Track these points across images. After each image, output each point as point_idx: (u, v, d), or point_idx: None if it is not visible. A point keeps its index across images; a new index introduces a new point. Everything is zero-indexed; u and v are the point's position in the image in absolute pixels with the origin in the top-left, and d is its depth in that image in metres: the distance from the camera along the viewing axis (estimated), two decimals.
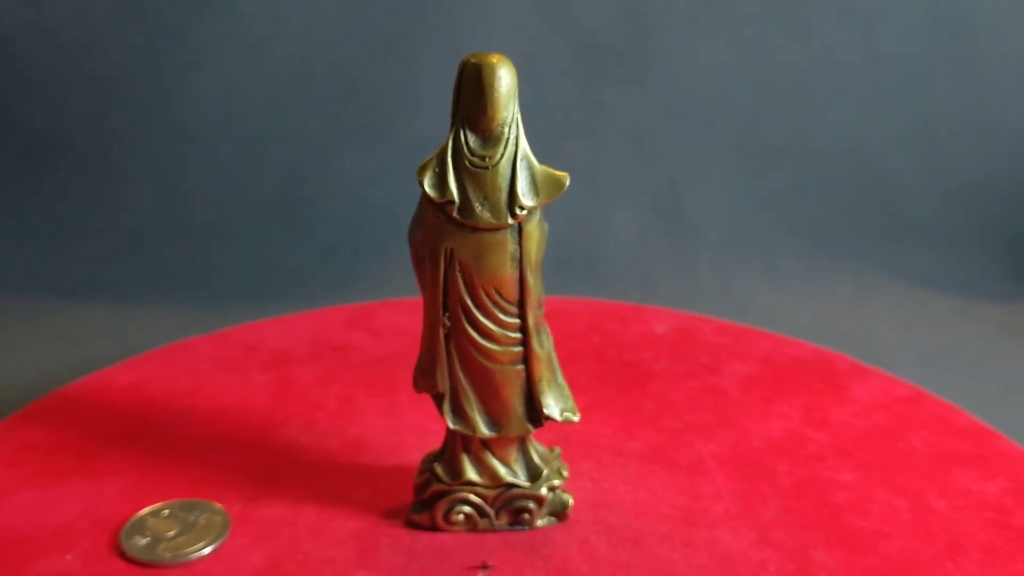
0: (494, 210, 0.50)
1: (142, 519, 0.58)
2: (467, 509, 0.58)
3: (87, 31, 1.26)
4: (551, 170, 0.51)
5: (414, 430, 0.71)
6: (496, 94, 0.49)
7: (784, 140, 1.37)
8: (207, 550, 0.55)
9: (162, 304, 1.17)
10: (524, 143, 0.51)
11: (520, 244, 0.51)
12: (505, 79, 0.50)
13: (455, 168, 0.50)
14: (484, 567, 0.55)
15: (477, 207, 0.50)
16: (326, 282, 1.22)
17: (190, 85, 1.29)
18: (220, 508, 0.59)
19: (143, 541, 0.55)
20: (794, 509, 0.61)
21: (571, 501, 0.59)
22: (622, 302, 1.03)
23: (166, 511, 0.59)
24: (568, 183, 0.51)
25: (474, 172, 0.50)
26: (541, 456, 0.58)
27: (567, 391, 0.56)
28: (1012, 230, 1.34)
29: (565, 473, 0.59)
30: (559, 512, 0.59)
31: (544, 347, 0.54)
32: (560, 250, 1.22)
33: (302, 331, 0.91)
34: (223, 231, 1.27)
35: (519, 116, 0.51)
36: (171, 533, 0.56)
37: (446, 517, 0.58)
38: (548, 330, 0.56)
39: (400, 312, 0.97)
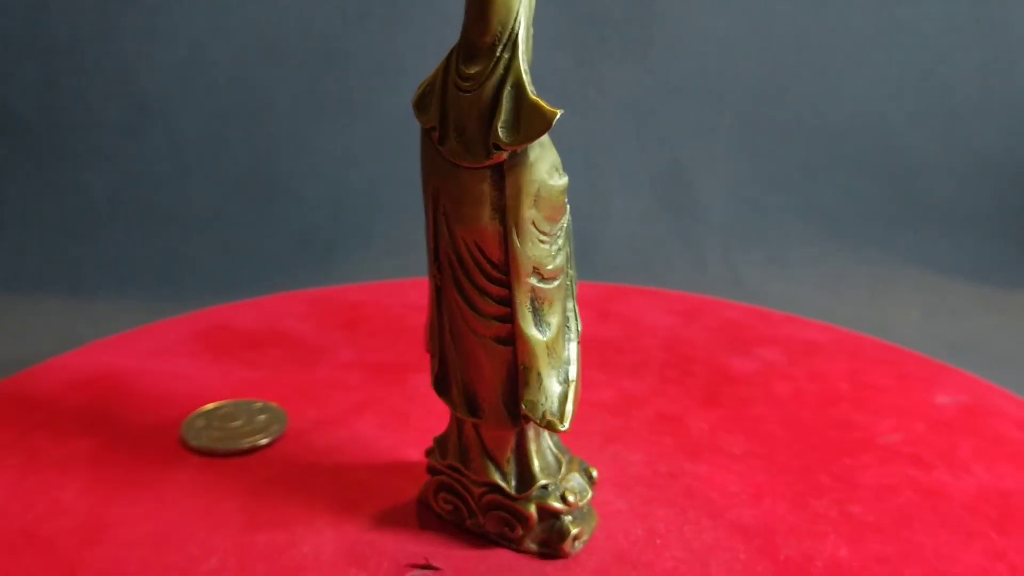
0: (470, 144, 0.42)
1: (220, 407, 0.66)
2: (454, 498, 0.51)
3: None
4: (540, 103, 0.41)
5: None
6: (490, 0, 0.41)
7: (795, 116, 1.32)
8: (262, 441, 0.62)
9: (119, 296, 1.11)
10: (522, 68, 0.41)
11: (504, 192, 0.42)
12: None
13: (442, 86, 0.43)
14: (424, 566, 0.49)
15: (453, 138, 0.43)
16: (300, 271, 1.16)
17: (148, 53, 1.23)
18: (285, 417, 0.65)
19: (201, 423, 0.64)
20: None
21: (572, 534, 0.49)
22: (923, 354, 0.83)
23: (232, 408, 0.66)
24: (555, 120, 0.41)
25: (457, 95, 0.42)
26: (544, 466, 0.49)
27: (571, 394, 0.46)
28: None
29: (572, 498, 0.49)
30: (553, 543, 0.49)
31: (545, 332, 0.45)
32: None
33: None
34: (186, 215, 1.21)
35: (523, 35, 0.41)
36: (235, 424, 0.64)
37: (436, 497, 0.52)
38: (568, 314, 0.46)
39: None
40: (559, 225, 0.44)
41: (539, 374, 0.45)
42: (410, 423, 0.65)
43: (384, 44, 1.25)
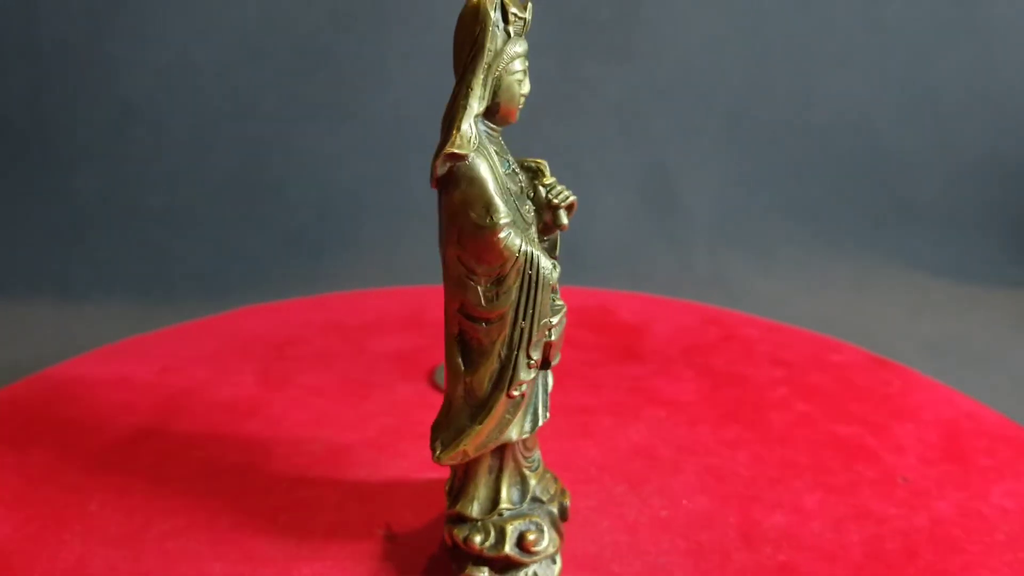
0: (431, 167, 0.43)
1: None
2: None
3: None
4: (453, 137, 0.41)
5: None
6: (453, 39, 0.42)
7: (780, 117, 1.31)
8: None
9: (108, 299, 1.11)
10: (465, 102, 0.41)
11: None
12: (458, 25, 0.42)
13: None
14: (387, 532, 0.53)
15: None
16: (289, 273, 1.16)
17: (134, 56, 1.21)
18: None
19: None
20: None
21: (465, 573, 0.47)
22: None
23: None
24: (453, 151, 0.40)
25: None
26: (475, 498, 0.48)
27: (467, 436, 0.45)
28: (1021, 211, 1.30)
29: (478, 541, 0.47)
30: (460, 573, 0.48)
31: (468, 367, 0.44)
32: None
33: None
34: (174, 218, 1.20)
35: (472, 76, 0.41)
36: None
37: None
38: (507, 363, 0.43)
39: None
40: (494, 269, 0.42)
41: (450, 402, 0.45)
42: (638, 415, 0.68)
43: (371, 47, 1.24)
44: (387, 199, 1.22)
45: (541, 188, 0.44)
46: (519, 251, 0.42)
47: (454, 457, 0.45)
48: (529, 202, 0.44)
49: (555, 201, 0.44)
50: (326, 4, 1.24)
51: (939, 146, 1.32)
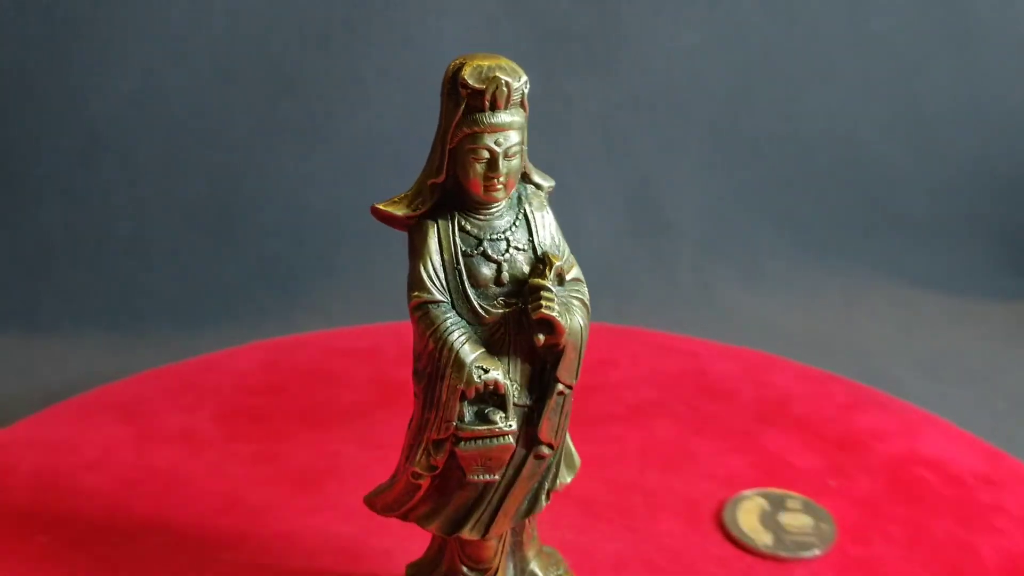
0: None
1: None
2: None
3: None
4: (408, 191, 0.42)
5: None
6: None
7: (765, 130, 1.30)
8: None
9: (76, 333, 1.08)
10: (425, 168, 0.41)
11: None
12: None
13: None
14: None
15: None
16: (265, 302, 1.13)
17: (99, 82, 1.19)
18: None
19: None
20: None
21: None
22: None
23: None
24: (375, 205, 0.41)
25: None
26: (426, 557, 0.46)
27: (381, 490, 0.43)
28: (1012, 222, 1.29)
29: None
30: None
31: (410, 428, 0.42)
32: None
33: None
34: (143, 247, 1.17)
35: (434, 142, 0.40)
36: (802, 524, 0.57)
37: None
38: (413, 441, 0.41)
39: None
40: (417, 342, 0.40)
41: (401, 459, 0.43)
42: None
43: (344, 68, 1.23)
44: (363, 224, 1.19)
45: (528, 289, 0.40)
46: (431, 335, 0.39)
47: (372, 504, 0.44)
48: (502, 295, 0.40)
49: (528, 307, 0.39)
50: (297, 25, 1.22)
51: (927, 157, 1.31)
